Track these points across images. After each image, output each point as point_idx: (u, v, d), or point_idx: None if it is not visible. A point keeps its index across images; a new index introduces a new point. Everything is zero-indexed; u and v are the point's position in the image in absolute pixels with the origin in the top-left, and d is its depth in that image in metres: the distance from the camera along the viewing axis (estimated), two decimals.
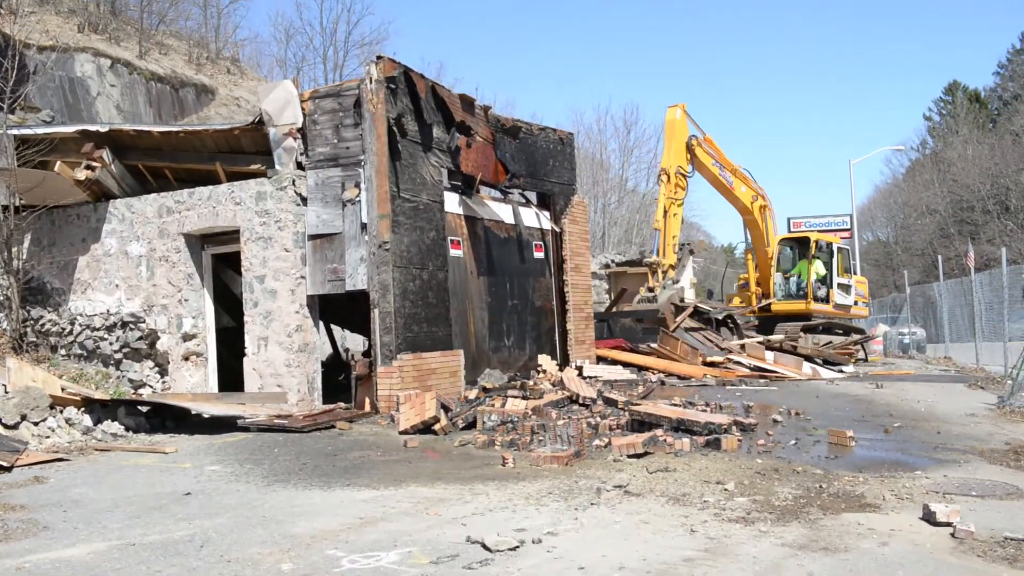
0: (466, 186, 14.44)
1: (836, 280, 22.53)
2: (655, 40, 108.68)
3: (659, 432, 9.21)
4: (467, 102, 14.06)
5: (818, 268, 22.43)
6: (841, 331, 20.83)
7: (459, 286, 13.84)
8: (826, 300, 22.21)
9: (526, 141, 15.99)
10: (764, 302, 22.82)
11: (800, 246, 23.21)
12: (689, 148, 20.22)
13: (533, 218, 16.26)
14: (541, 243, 16.44)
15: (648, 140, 54.07)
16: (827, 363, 18.13)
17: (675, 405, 11.44)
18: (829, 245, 22.82)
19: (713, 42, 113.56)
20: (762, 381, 15.50)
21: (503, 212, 15.35)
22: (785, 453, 8.58)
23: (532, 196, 16.93)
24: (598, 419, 10.41)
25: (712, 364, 17.56)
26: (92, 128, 14.23)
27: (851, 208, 42.93)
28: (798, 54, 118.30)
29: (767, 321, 22.18)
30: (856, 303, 23.62)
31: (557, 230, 16.59)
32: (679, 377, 16.07)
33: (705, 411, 11.02)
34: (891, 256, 58.55)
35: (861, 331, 21.62)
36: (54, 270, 14.47)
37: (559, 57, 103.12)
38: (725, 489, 6.96)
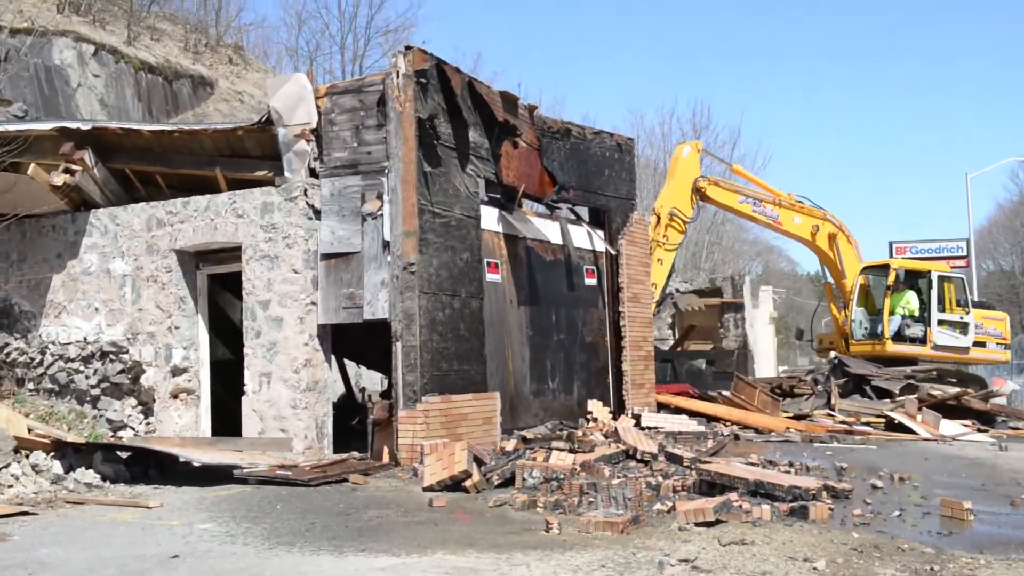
0: (506, 199, 14.54)
1: (936, 316, 22.06)
2: (730, 30, 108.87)
3: (733, 496, 9.13)
4: (509, 101, 14.19)
5: (908, 301, 22.01)
6: (954, 380, 20.38)
7: (496, 317, 13.90)
8: (922, 341, 21.77)
9: (577, 147, 16.08)
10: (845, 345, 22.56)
11: (887, 276, 22.89)
12: (697, 189, 20.82)
13: (584, 238, 16.31)
14: (593, 267, 16.47)
15: (722, 147, 53.81)
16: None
17: (752, 464, 11.33)
18: (927, 274, 22.42)
19: (801, 32, 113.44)
20: (858, 438, 15.32)
21: (549, 230, 15.43)
22: (887, 526, 8.45)
23: (584, 212, 16.99)
24: (660, 478, 10.34)
25: (796, 416, 17.40)
26: (72, 125, 14.52)
27: (968, 231, 42.41)
28: (903, 49, 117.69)
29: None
30: (984, 344, 23.08)
31: (613, 252, 16.62)
32: (756, 430, 15.96)
33: (789, 472, 10.92)
34: (1017, 290, 57.59)
35: (980, 380, 21.07)
36: (23, 290, 14.80)
37: (616, 48, 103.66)
38: (815, 568, 6.88)
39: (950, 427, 16.15)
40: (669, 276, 20.79)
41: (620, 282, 16.63)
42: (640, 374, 16.84)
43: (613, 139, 17.20)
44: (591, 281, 16.42)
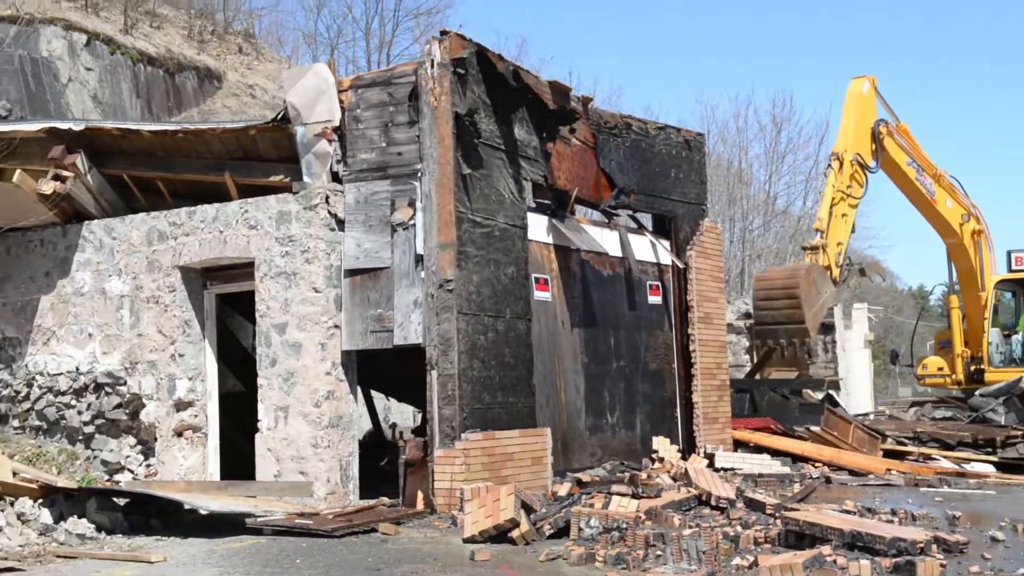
0: (557, 205, 14.57)
1: None
2: (815, 8, 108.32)
3: (826, 550, 9.04)
4: (560, 92, 14.21)
5: None
6: None
7: (546, 341, 13.91)
8: None
9: (639, 145, 16.08)
10: (975, 368, 22.14)
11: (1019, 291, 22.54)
12: (875, 136, 20.14)
13: (648, 249, 16.29)
14: (658, 283, 16.44)
15: (807, 142, 53.67)
16: None
17: (848, 512, 11.21)
18: None
19: (905, 10, 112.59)
20: (972, 481, 15.10)
21: (607, 241, 15.43)
22: None
23: (646, 219, 16.97)
24: (738, 528, 10.27)
25: (896, 455, 17.19)
26: (62, 126, 14.76)
27: None
28: (1006, 39, 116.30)
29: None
30: None
31: (680, 266, 16.58)
32: (851, 472, 15.80)
33: (891, 522, 10.78)
34: None
35: None
36: (7, 314, 15.06)
37: (682, 31, 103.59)
38: None
39: None
40: (850, 237, 20.25)
41: (690, 300, 16.58)
42: (713, 407, 16.75)
43: (680, 135, 17.18)
44: (655, 299, 16.37)
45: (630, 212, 16.51)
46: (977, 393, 19.56)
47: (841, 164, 19.51)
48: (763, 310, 18.21)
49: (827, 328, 29.42)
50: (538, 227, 14.04)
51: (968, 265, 22.11)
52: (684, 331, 16.61)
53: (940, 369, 23.40)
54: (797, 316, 17.81)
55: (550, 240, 14.29)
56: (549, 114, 13.79)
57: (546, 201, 14.54)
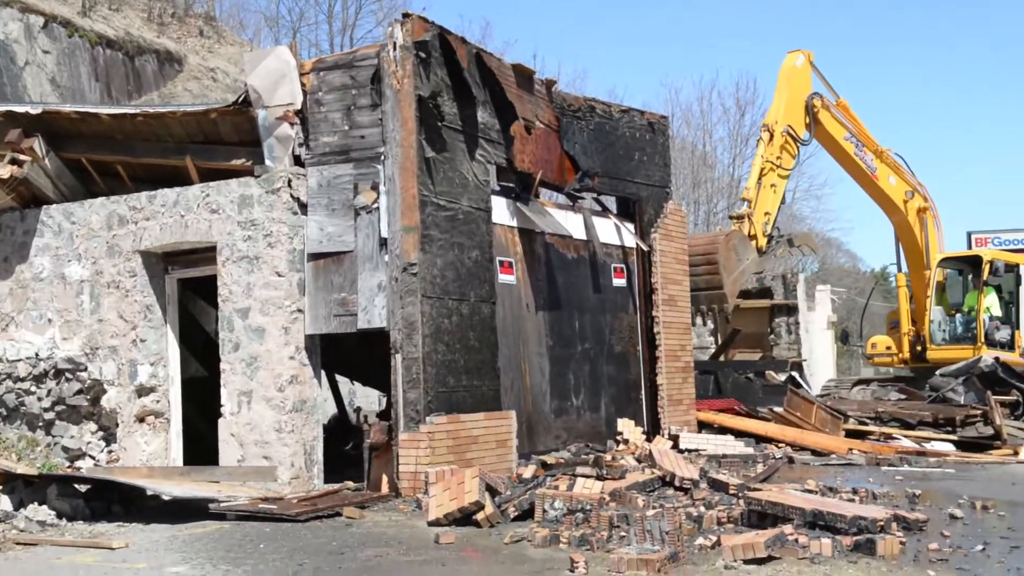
0: (522, 188, 14.57)
1: None
2: None
3: (787, 529, 9.11)
4: (524, 75, 14.21)
5: (991, 301, 21.78)
6: (1019, 382, 20.02)
7: (511, 324, 13.93)
8: (1010, 346, 21.55)
9: (603, 128, 16.10)
10: (920, 347, 22.20)
11: (973, 269, 22.64)
12: (809, 109, 20.35)
13: (612, 232, 16.33)
14: (623, 266, 16.48)
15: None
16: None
17: (809, 491, 11.31)
18: (1015, 268, 22.22)
19: None
20: (932, 460, 15.28)
21: (571, 224, 15.45)
22: (970, 563, 8.41)
23: (611, 202, 16.99)
24: (702, 509, 10.33)
25: (859, 435, 17.36)
26: (19, 109, 14.61)
27: None
28: (977, 21, 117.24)
29: (925, 375, 21.62)
30: None
31: (644, 248, 16.63)
32: (813, 452, 15.96)
33: (852, 501, 10.89)
34: None
35: None
36: None
37: (646, 13, 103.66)
38: None
39: None
40: (779, 208, 20.49)
41: (654, 283, 16.63)
42: (678, 388, 16.83)
43: (644, 117, 17.20)
44: (620, 282, 16.42)
45: (594, 195, 16.53)
46: (937, 373, 19.70)
47: (771, 135, 19.77)
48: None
49: (790, 310, 29.65)
50: (502, 210, 14.04)
51: (914, 243, 22.24)
52: (648, 313, 16.67)
53: (888, 348, 23.51)
54: (715, 282, 18.11)
55: (514, 223, 14.29)
56: (510, 100, 13.76)
57: (510, 184, 14.53)
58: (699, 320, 20.28)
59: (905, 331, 22.72)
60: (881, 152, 21.68)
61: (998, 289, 22.18)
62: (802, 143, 20.44)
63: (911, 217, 22.03)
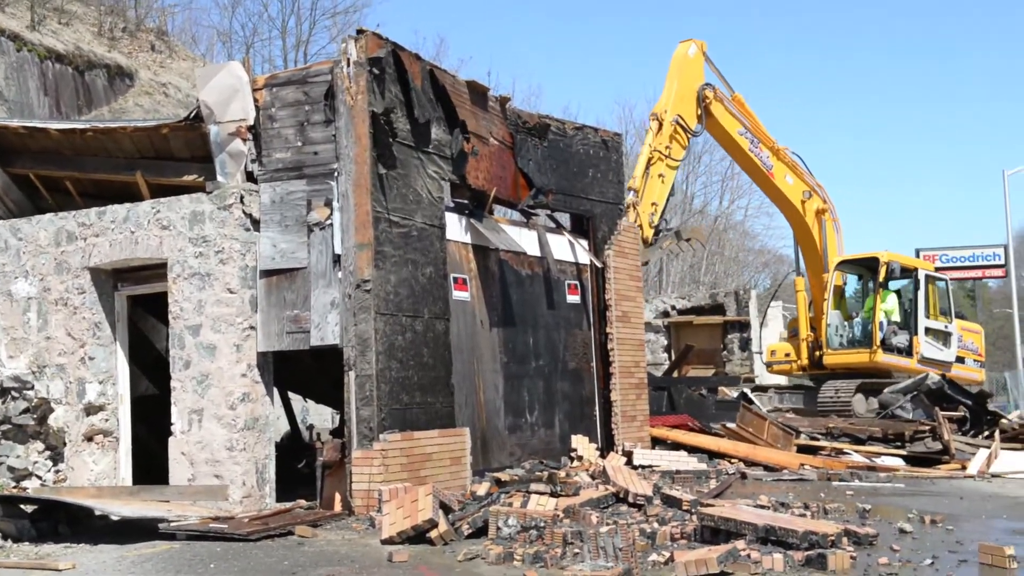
0: (475, 205, 14.60)
1: (923, 323, 21.86)
2: (732, 13, 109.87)
3: (740, 544, 9.18)
4: (477, 92, 14.27)
5: (891, 306, 21.70)
6: (965, 398, 19.93)
7: (465, 341, 13.93)
8: (907, 352, 21.57)
9: (557, 145, 16.18)
10: (818, 353, 22.07)
11: (871, 273, 22.61)
12: (700, 100, 20.17)
13: (566, 249, 16.40)
14: (576, 283, 16.54)
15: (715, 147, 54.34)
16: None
17: (762, 507, 11.39)
18: (914, 272, 22.22)
19: (811, 18, 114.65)
20: (883, 475, 15.44)
21: (525, 240, 15.50)
22: None
23: (565, 219, 17.06)
24: (655, 525, 10.38)
25: (810, 450, 17.50)
26: None
27: (1006, 236, 42.91)
28: (930, 38, 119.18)
29: (823, 381, 21.63)
30: (963, 360, 22.94)
31: (598, 265, 16.70)
32: (766, 468, 16.05)
33: (804, 515, 10.98)
34: None
35: (981, 400, 20.28)
36: None
37: (600, 32, 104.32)
38: None
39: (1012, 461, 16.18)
40: (668, 199, 20.07)
41: (608, 299, 16.71)
42: (632, 405, 16.89)
43: (598, 135, 17.32)
44: (574, 298, 16.48)
45: (548, 212, 16.59)
46: (886, 390, 19.82)
47: (660, 124, 19.50)
48: None
49: (743, 326, 29.86)
50: (456, 227, 14.06)
51: (812, 246, 22.05)
52: (602, 330, 16.73)
53: (787, 355, 23.17)
54: None
55: (468, 240, 14.31)
56: (464, 117, 13.80)
57: (464, 201, 14.56)
58: None
59: (804, 336, 22.51)
60: (778, 150, 21.59)
61: (898, 294, 22.13)
62: (693, 134, 20.23)
63: (809, 219, 21.95)
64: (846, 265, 22.47)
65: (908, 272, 22.06)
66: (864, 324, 21.58)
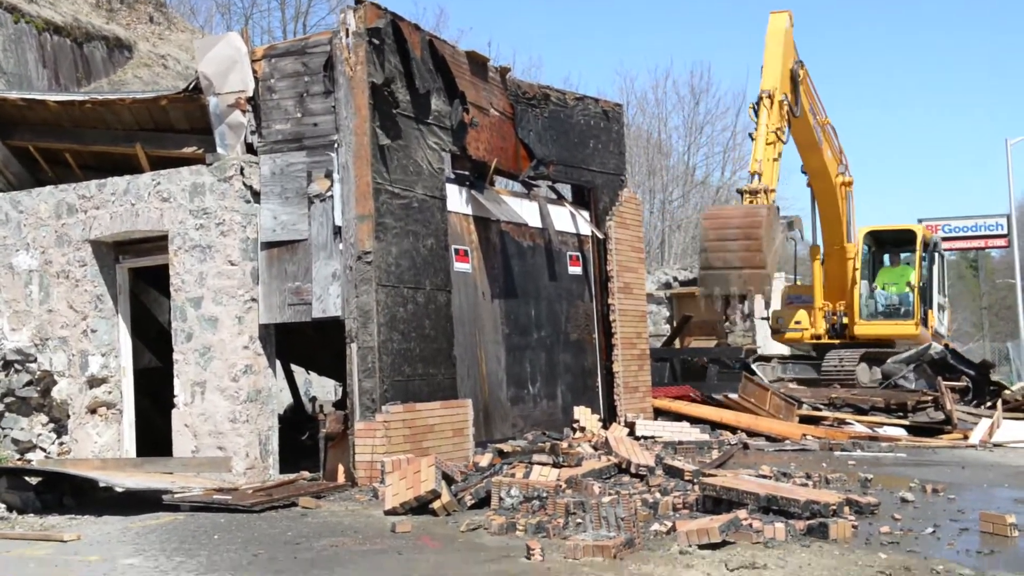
0: (476, 176, 14.57)
1: (936, 297, 21.86)
2: None
3: (742, 514, 9.22)
4: (477, 62, 14.21)
5: (911, 276, 21.56)
6: (967, 368, 19.89)
7: (467, 312, 13.94)
8: (925, 324, 21.54)
9: (558, 116, 16.13)
10: (836, 322, 21.88)
11: (893, 247, 22.52)
12: (794, 78, 19.01)
13: (567, 220, 16.37)
14: (578, 254, 16.53)
15: (724, 113, 54.29)
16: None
17: (764, 477, 11.44)
18: (935, 246, 22.21)
19: None
20: (884, 445, 15.49)
21: (526, 212, 15.48)
22: (920, 545, 8.55)
23: (566, 190, 17.03)
24: (657, 495, 10.42)
25: (812, 420, 17.55)
26: None
27: (1009, 206, 42.78)
28: (932, 4, 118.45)
29: (825, 351, 21.54)
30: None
31: (600, 236, 16.68)
32: (768, 438, 16.11)
33: (805, 485, 11.02)
34: None
35: (984, 370, 19.91)
36: None
37: (601, 1, 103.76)
38: None
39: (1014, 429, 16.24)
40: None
41: (609, 270, 16.70)
42: (634, 376, 16.92)
43: (599, 105, 17.25)
44: (576, 269, 16.47)
45: (549, 183, 16.56)
46: (889, 361, 19.81)
47: (772, 102, 18.35)
48: (713, 252, 16.50)
49: (744, 297, 29.81)
50: (457, 198, 14.04)
51: (836, 216, 21.83)
52: (604, 301, 16.73)
53: (797, 323, 22.76)
54: (756, 260, 16.25)
55: (469, 211, 14.29)
56: (463, 87, 13.75)
57: (465, 172, 14.53)
58: (719, 305, 18.35)
59: (819, 308, 22.33)
60: (825, 123, 21.37)
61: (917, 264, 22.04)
62: (793, 115, 18.89)
63: (838, 192, 21.78)
64: (873, 236, 22.27)
65: (935, 245, 22.08)
66: (906, 296, 21.36)
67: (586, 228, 16.68)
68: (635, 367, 17.00)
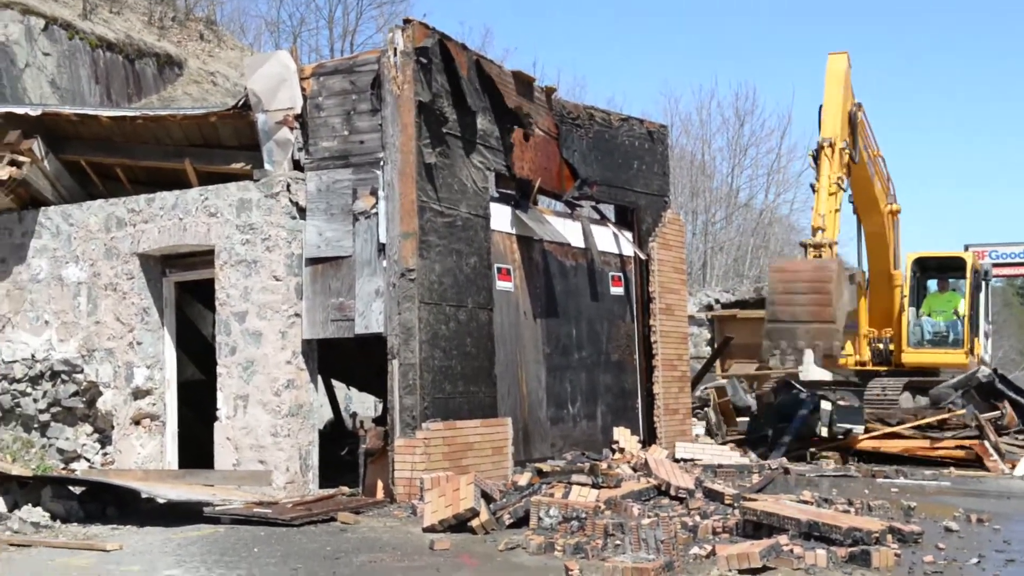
0: (520, 196, 14.57)
1: (983, 324, 21.56)
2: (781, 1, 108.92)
3: (783, 539, 9.12)
4: (524, 82, 14.24)
5: (959, 303, 21.34)
6: (1016, 394, 19.59)
7: (508, 331, 13.92)
8: (970, 351, 21.29)
9: (602, 136, 16.12)
10: (882, 348, 21.67)
11: (939, 273, 22.33)
12: (853, 121, 18.38)
13: (610, 240, 16.33)
14: (620, 274, 16.48)
15: (769, 136, 53.77)
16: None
17: (805, 503, 11.31)
18: (986, 274, 21.94)
19: (863, 4, 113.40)
20: (927, 473, 15.29)
21: (570, 231, 15.45)
22: (964, 575, 8.42)
23: (609, 211, 16.99)
24: (697, 518, 10.34)
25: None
26: (19, 111, 14.61)
27: None
28: (980, 22, 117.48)
29: (869, 378, 21.30)
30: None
31: (642, 257, 16.63)
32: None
33: (848, 512, 10.89)
34: None
35: None
36: None
37: (646, 22, 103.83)
38: None
39: None
40: None
41: (652, 291, 16.62)
42: (674, 398, 16.82)
43: (644, 126, 17.22)
44: (617, 290, 16.42)
45: (593, 203, 16.53)
46: (940, 386, 19.52)
47: (833, 151, 17.60)
48: (781, 305, 15.87)
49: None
50: (501, 217, 14.04)
51: (884, 248, 21.54)
52: (646, 322, 16.66)
53: (842, 348, 22.48)
54: (826, 315, 15.56)
55: (513, 231, 14.28)
56: (510, 107, 13.77)
57: (510, 191, 14.53)
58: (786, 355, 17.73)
59: (864, 334, 22.12)
60: (876, 156, 21.17)
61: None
62: (853, 161, 18.15)
63: (887, 221, 21.59)
64: (921, 263, 22.06)
65: (985, 273, 21.83)
66: (954, 324, 21.17)
67: (628, 249, 16.63)
68: (675, 389, 16.90)
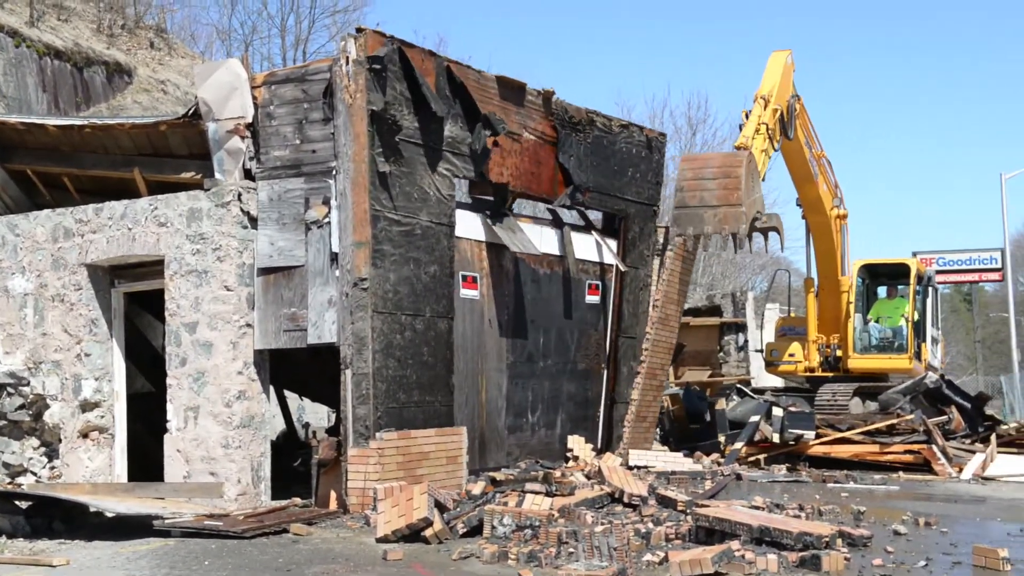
0: (500, 201, 14.50)
1: (930, 331, 21.89)
2: (731, 11, 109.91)
3: (735, 545, 9.18)
4: (510, 87, 14.11)
5: (905, 310, 21.64)
6: (963, 399, 19.86)
7: (470, 340, 13.88)
8: (917, 357, 21.58)
9: (601, 142, 16.02)
10: (829, 355, 21.89)
11: (887, 279, 22.58)
12: (791, 111, 18.43)
13: (592, 248, 16.21)
14: (598, 283, 16.32)
15: (721, 144, 54.12)
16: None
17: (756, 508, 11.40)
18: (929, 280, 22.26)
19: (811, 15, 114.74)
20: (877, 477, 15.47)
21: (547, 239, 15.35)
22: None
23: (598, 218, 16.85)
24: (650, 525, 10.39)
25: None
26: None
27: (1003, 240, 42.88)
28: (929, 31, 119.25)
29: (819, 384, 21.53)
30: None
31: (623, 268, 16.40)
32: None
33: (799, 517, 10.99)
34: None
35: (980, 402, 19.88)
36: None
37: (600, 33, 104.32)
38: None
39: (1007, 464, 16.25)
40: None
41: (655, 300, 16.70)
42: (648, 406, 16.80)
43: (643, 134, 17.06)
44: (593, 299, 16.31)
45: (581, 208, 16.26)
46: (888, 391, 19.73)
47: (767, 104, 17.54)
48: (690, 191, 15.73)
49: (739, 328, 29.76)
50: (470, 224, 13.94)
51: (831, 249, 21.78)
52: (618, 331, 16.57)
53: (791, 355, 22.69)
54: (733, 199, 15.43)
55: (483, 238, 14.13)
56: (484, 112, 13.61)
57: (488, 197, 14.43)
58: (693, 244, 16.96)
59: (812, 340, 22.32)
60: (820, 156, 21.32)
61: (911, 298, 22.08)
62: (785, 137, 18.21)
63: (833, 225, 21.77)
64: (867, 270, 22.31)
65: (928, 279, 22.12)
66: (900, 330, 21.40)
67: (610, 258, 16.46)
68: (650, 397, 16.89)
